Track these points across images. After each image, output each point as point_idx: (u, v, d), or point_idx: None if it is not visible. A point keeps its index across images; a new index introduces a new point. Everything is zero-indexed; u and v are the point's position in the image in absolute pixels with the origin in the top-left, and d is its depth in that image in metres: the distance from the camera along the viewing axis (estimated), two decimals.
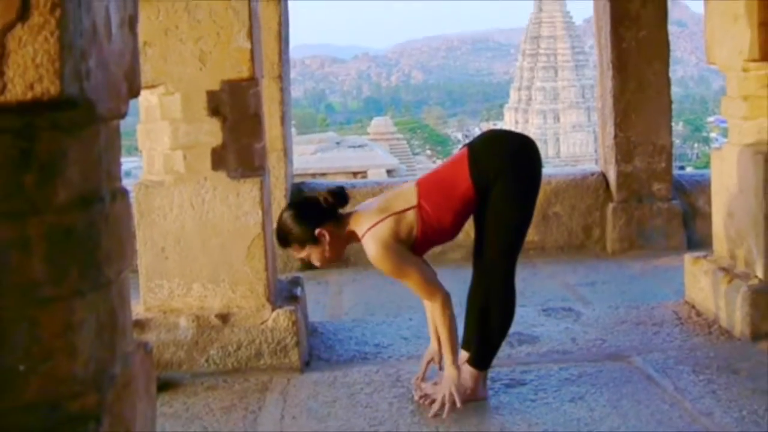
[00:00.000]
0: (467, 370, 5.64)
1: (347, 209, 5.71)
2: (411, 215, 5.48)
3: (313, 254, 5.60)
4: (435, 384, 5.64)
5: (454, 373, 5.45)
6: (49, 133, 2.26)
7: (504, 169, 5.48)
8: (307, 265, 9.68)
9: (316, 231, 5.49)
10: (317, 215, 5.57)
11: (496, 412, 5.52)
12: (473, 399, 5.63)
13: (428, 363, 5.92)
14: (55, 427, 2.26)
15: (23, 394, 2.22)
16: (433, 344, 5.89)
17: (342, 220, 5.61)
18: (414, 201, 5.52)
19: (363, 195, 10.08)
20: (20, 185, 2.21)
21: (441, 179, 5.62)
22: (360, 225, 5.53)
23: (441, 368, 5.70)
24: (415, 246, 5.55)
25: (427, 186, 5.59)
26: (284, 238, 5.64)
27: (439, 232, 5.58)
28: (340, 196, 5.66)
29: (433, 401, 5.45)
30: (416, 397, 5.62)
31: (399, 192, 5.69)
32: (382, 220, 5.47)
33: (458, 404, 5.35)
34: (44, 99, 2.12)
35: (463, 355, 5.76)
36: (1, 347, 2.18)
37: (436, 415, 5.35)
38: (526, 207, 5.62)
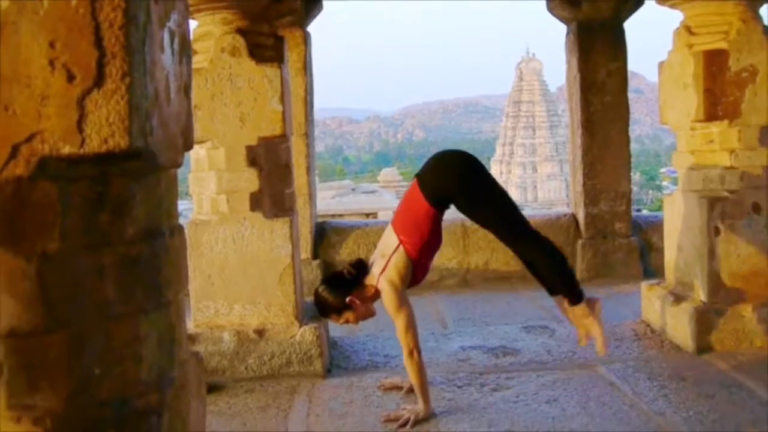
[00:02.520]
0: (574, 310, 5.55)
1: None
2: (401, 250, 5.50)
3: (350, 318, 5.68)
4: (402, 409, 5.55)
5: (422, 408, 5.40)
6: (120, 179, 2.28)
7: (450, 183, 5.48)
8: None
9: (347, 299, 5.56)
10: (345, 286, 5.63)
11: (485, 411, 5.51)
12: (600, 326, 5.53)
13: (397, 388, 5.99)
14: (124, 420, 2.28)
15: (98, 393, 2.24)
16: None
17: (363, 285, 5.64)
18: (396, 240, 5.54)
19: (375, 232, 10.13)
20: (96, 222, 2.24)
21: (405, 211, 5.57)
22: (374, 278, 5.57)
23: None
24: (416, 268, 5.57)
25: (398, 223, 5.58)
26: (323, 309, 5.73)
27: (426, 247, 5.57)
28: (360, 266, 5.73)
29: (396, 418, 5.36)
30: (382, 418, 5.50)
31: (384, 239, 5.69)
32: (386, 266, 5.51)
33: (409, 426, 5.27)
34: (116, 151, 2.14)
35: (559, 299, 5.68)
36: (81, 354, 2.20)
37: (401, 426, 5.28)
38: (488, 193, 5.51)
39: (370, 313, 5.73)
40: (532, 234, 5.56)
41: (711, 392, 5.62)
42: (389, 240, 5.61)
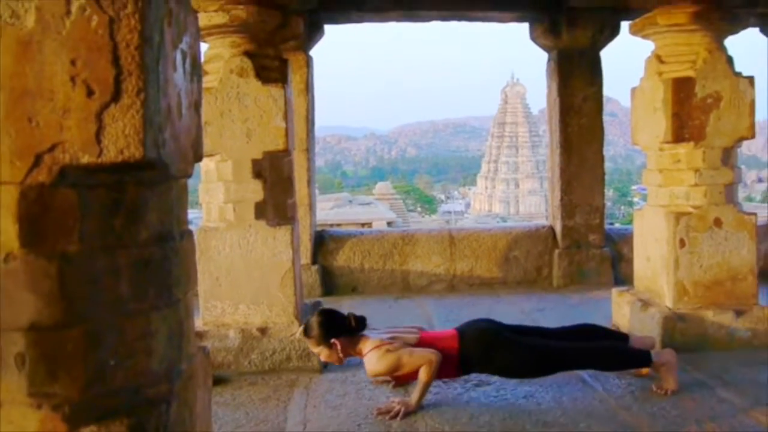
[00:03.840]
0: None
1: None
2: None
3: (323, 353, 5.72)
4: (392, 402, 5.54)
5: (415, 402, 5.39)
6: (134, 187, 2.29)
7: (487, 360, 5.62)
8: (326, 292, 9.67)
9: (332, 340, 5.61)
10: (339, 328, 5.67)
11: (467, 405, 5.51)
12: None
13: (386, 381, 5.98)
14: (136, 408, 2.28)
15: (113, 382, 2.25)
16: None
17: (354, 338, 5.68)
18: (413, 343, 5.64)
19: (370, 240, 10.11)
20: (112, 226, 2.24)
21: (436, 346, 5.61)
22: (366, 346, 5.61)
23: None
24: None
25: (426, 343, 5.64)
26: (308, 332, 5.74)
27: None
28: (362, 323, 5.77)
29: (388, 411, 5.33)
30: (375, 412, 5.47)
31: (405, 335, 5.74)
32: (385, 344, 5.56)
33: (398, 418, 5.24)
34: (131, 161, 2.15)
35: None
36: (97, 347, 2.21)
37: (392, 418, 5.27)
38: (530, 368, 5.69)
39: (340, 362, 5.77)
40: (567, 355, 5.70)
41: (674, 390, 5.63)
42: (407, 339, 5.68)
